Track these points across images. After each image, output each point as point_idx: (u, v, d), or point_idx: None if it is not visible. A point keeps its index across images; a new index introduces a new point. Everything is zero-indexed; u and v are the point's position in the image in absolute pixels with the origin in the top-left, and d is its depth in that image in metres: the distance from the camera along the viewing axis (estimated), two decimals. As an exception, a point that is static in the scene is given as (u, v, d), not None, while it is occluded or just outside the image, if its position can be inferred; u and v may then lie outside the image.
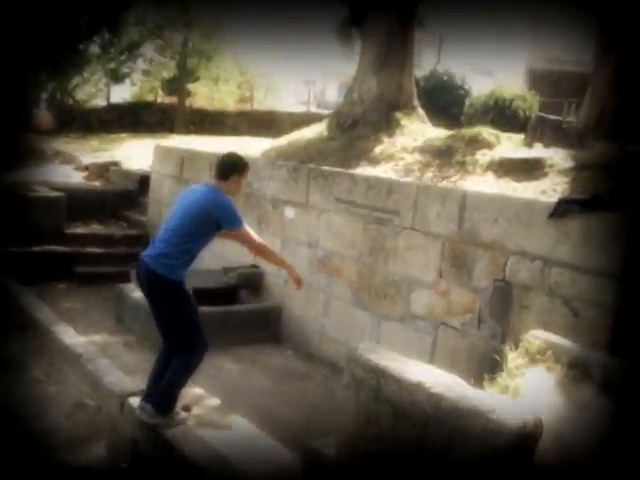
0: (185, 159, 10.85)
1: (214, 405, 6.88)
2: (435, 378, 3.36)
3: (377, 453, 3.54)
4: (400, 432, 3.40)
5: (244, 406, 6.87)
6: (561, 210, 5.94)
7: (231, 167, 5.37)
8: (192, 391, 7.15)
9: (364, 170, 11.63)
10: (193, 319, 5.40)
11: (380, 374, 3.47)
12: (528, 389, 4.13)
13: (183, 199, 5.44)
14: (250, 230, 5.46)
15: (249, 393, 7.28)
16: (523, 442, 3.05)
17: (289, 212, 8.66)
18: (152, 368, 5.77)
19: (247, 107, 25.40)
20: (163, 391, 5.50)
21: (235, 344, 8.41)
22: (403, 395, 3.35)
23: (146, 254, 5.31)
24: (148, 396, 5.54)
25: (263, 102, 29.26)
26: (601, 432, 3.96)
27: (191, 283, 9.09)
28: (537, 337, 4.39)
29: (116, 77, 22.81)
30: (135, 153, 15.88)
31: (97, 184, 13.43)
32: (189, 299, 5.37)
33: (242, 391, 7.30)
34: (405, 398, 3.35)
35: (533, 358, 4.38)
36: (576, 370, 4.21)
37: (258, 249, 5.57)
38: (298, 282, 5.76)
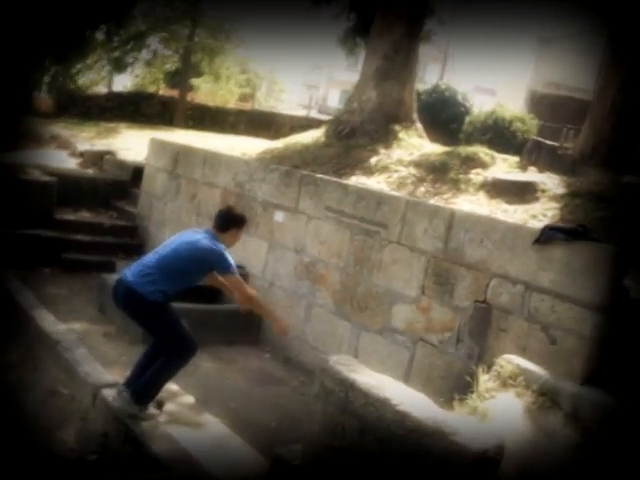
0: (179, 154, 10.86)
1: (188, 403, 6.90)
2: (403, 395, 3.38)
3: (341, 465, 3.56)
4: (365, 446, 3.42)
5: (218, 406, 6.89)
6: (546, 237, 5.98)
7: (231, 221, 5.71)
8: (167, 387, 7.16)
9: (358, 179, 11.66)
10: (176, 329, 5.61)
11: (349, 387, 3.49)
12: (497, 413, 4.16)
13: (182, 236, 5.68)
14: (241, 280, 5.67)
15: (224, 393, 7.29)
16: (483, 466, 3.07)
17: (278, 216, 8.68)
18: (139, 358, 5.89)
19: (247, 106, 25.42)
20: (145, 383, 5.63)
21: (215, 343, 8.39)
22: (370, 410, 3.38)
23: (127, 274, 5.51)
24: (129, 384, 5.66)
25: (264, 102, 29.31)
26: (565, 461, 3.99)
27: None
28: (510, 362, 4.42)
29: (119, 66, 22.77)
30: (132, 143, 15.85)
31: (91, 172, 13.40)
32: (169, 313, 5.58)
33: (217, 391, 7.31)
34: (371, 413, 3.37)
35: (504, 382, 4.42)
36: (545, 398, 4.26)
37: (246, 297, 5.75)
38: (283, 333, 6.02)
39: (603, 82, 14.38)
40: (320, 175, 8.66)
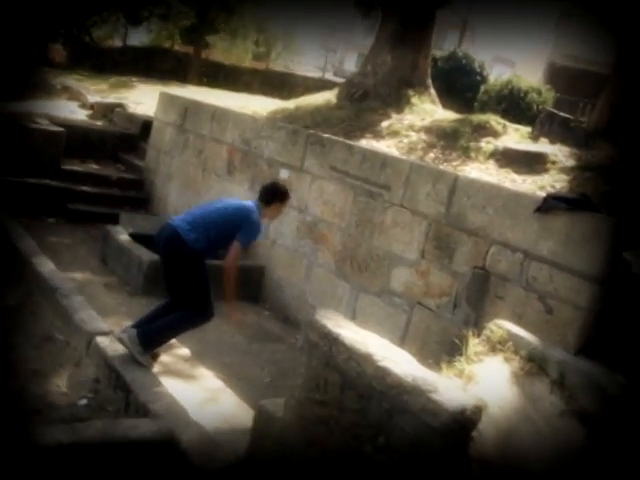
0: (188, 109, 10.80)
1: (183, 355, 6.95)
2: (386, 352, 3.38)
3: (321, 419, 3.57)
4: (345, 401, 3.43)
5: (213, 360, 6.93)
6: (547, 206, 5.93)
7: (275, 195, 6.09)
8: (164, 339, 7.22)
9: (368, 143, 11.61)
10: (203, 289, 5.84)
11: (333, 341, 3.49)
12: (483, 377, 4.15)
13: (230, 200, 6.19)
14: (240, 251, 5.87)
15: (220, 348, 7.33)
16: (460, 425, 3.07)
17: (283, 173, 8.65)
18: (155, 307, 6.11)
19: (262, 66, 25.26)
20: (155, 330, 5.83)
21: (215, 299, 8.43)
22: (352, 365, 3.37)
23: (176, 219, 5.81)
24: (139, 325, 5.84)
25: (279, 63, 29.09)
26: (547, 428, 3.99)
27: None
28: (500, 327, 4.40)
29: (134, 19, 22.60)
30: (143, 98, 15.80)
31: (100, 124, 13.38)
32: (202, 269, 5.78)
33: (214, 345, 7.34)
34: (353, 368, 3.37)
35: (493, 347, 4.40)
36: (533, 364, 4.24)
37: (227, 264, 5.86)
38: (237, 323, 6.56)
39: (622, 56, 14.23)
40: (326, 135, 8.58)
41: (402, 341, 6.93)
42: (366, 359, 3.31)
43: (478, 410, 3.15)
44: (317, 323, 3.59)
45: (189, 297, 5.83)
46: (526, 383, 4.17)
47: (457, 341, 4.62)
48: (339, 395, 3.46)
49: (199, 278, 5.77)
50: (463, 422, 3.07)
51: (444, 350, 6.13)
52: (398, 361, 3.32)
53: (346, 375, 3.42)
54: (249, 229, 5.77)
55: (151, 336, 5.79)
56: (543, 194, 6.41)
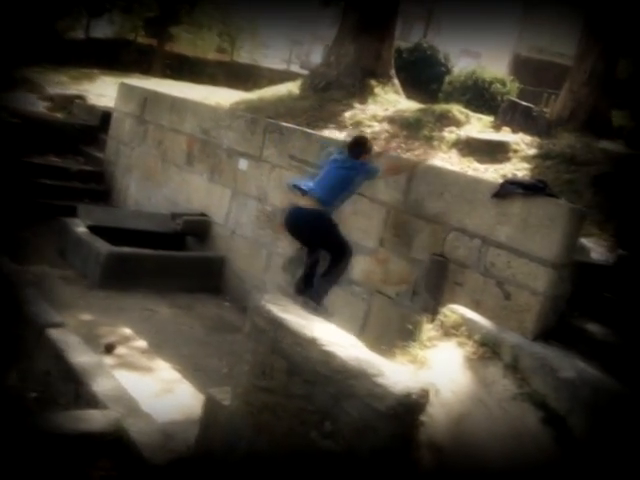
0: (148, 99, 10.65)
1: (140, 347, 6.85)
2: (332, 337, 3.31)
3: (268, 406, 3.50)
4: (291, 387, 3.36)
5: (171, 351, 6.83)
6: (504, 191, 5.90)
7: (362, 149, 6.29)
8: (120, 330, 7.12)
9: (330, 133, 11.55)
10: (342, 236, 6.24)
11: (278, 326, 3.42)
12: (436, 361, 4.12)
13: (338, 166, 6.26)
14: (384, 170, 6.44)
15: (179, 339, 7.23)
16: (406, 409, 3.01)
17: (242, 164, 8.55)
18: (304, 272, 6.44)
19: (227, 58, 25.03)
20: (322, 285, 6.20)
21: (174, 290, 8.35)
22: (297, 350, 3.30)
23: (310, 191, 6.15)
24: (302, 291, 6.22)
25: (244, 55, 28.86)
26: (500, 411, 3.95)
27: (138, 224, 9.08)
28: (454, 312, 4.37)
29: (96, 11, 22.23)
30: (106, 90, 15.56)
31: (59, 116, 13.14)
32: (337, 224, 6.26)
33: (172, 336, 7.25)
34: (298, 353, 3.30)
35: (447, 332, 4.37)
36: (486, 348, 4.21)
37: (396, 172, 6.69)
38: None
39: (583, 48, 14.34)
40: (285, 123, 8.49)
41: (362, 329, 6.88)
42: (311, 343, 3.24)
43: (425, 394, 3.10)
44: (263, 308, 3.52)
45: (334, 250, 6.19)
46: (479, 367, 4.14)
47: (411, 327, 4.58)
48: (285, 381, 3.39)
49: (338, 231, 6.22)
50: (409, 406, 3.02)
51: (403, 338, 6.09)
52: (344, 345, 3.25)
53: (292, 360, 3.34)
54: (369, 167, 6.27)
55: (321, 292, 6.19)
56: (498, 180, 6.39)
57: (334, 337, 3.35)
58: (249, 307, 3.83)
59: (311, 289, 6.21)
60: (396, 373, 3.12)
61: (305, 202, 6.12)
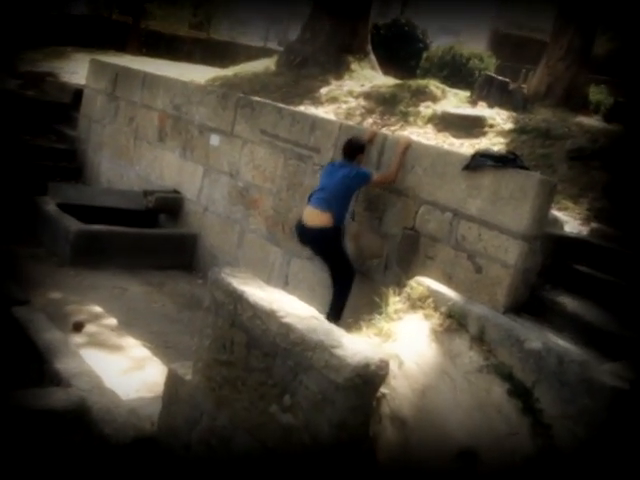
0: (119, 75, 10.48)
1: (110, 325, 6.78)
2: (291, 309, 3.25)
3: (229, 380, 3.44)
4: (251, 361, 3.30)
5: (141, 329, 6.77)
6: (475, 163, 5.83)
7: (355, 150, 6.43)
8: (89, 309, 7.04)
9: (306, 109, 11.45)
10: (347, 256, 6.45)
11: (238, 299, 3.35)
12: (402, 334, 4.07)
13: (335, 171, 6.38)
14: (379, 179, 6.37)
15: (150, 317, 7.17)
16: (364, 380, 2.96)
17: (214, 139, 8.44)
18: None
19: (203, 35, 24.76)
20: (333, 311, 6.27)
21: (146, 267, 8.27)
22: (256, 323, 3.24)
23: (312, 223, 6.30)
24: None
25: (222, 32, 28.57)
26: (467, 384, 3.92)
27: (109, 202, 8.97)
28: (420, 284, 4.32)
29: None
30: (79, 67, 15.33)
31: (31, 93, 12.91)
32: (343, 242, 6.47)
33: (143, 314, 7.19)
34: (258, 326, 3.23)
35: (414, 304, 4.32)
36: (452, 320, 4.17)
37: (391, 180, 6.41)
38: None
39: (560, 24, 14.32)
40: (256, 98, 8.38)
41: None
42: (270, 316, 3.18)
43: (385, 365, 3.04)
44: (222, 281, 3.45)
45: (342, 266, 6.40)
46: (445, 339, 4.09)
47: (378, 300, 4.52)
48: (245, 355, 3.33)
49: (343, 249, 6.45)
50: (368, 377, 2.96)
51: (373, 311, 6.05)
52: (304, 317, 3.19)
53: (251, 333, 3.28)
54: (361, 171, 6.32)
55: (333, 317, 6.00)
56: (468, 152, 6.34)
57: (294, 309, 3.29)
58: (208, 280, 3.76)
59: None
60: (355, 344, 3.06)
61: (311, 218, 6.29)
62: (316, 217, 6.24)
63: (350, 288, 6.43)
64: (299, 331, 3.07)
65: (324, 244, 6.38)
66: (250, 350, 3.31)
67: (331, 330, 3.15)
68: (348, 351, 2.96)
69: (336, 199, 6.23)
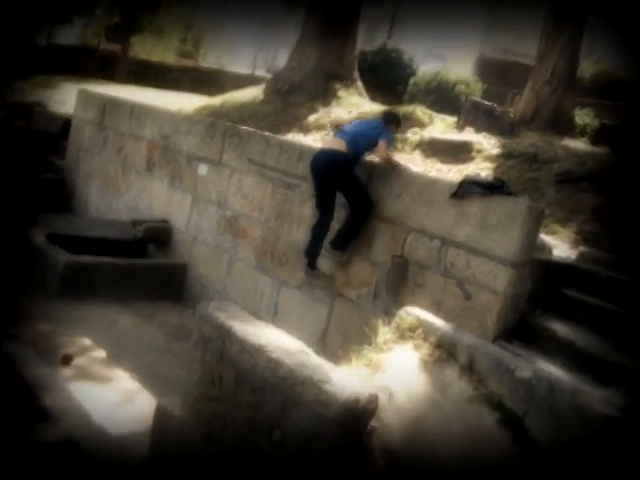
0: (107, 106, 10.51)
1: (99, 357, 6.71)
2: (279, 343, 3.23)
3: (217, 415, 3.41)
4: (240, 396, 3.28)
5: (131, 361, 6.71)
6: (463, 191, 5.86)
7: (392, 118, 7.22)
8: (79, 341, 6.98)
9: (294, 137, 11.49)
10: (364, 185, 6.64)
11: (226, 333, 3.34)
12: (391, 365, 4.05)
13: (361, 123, 7.20)
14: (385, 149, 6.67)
15: (139, 348, 7.12)
16: (354, 415, 2.94)
17: (202, 169, 8.45)
18: (312, 240, 6.81)
19: (191, 63, 24.89)
20: (345, 233, 6.63)
21: (135, 298, 8.23)
22: (245, 357, 3.22)
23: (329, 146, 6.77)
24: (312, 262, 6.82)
25: (210, 60, 28.71)
26: (458, 414, 3.90)
27: (98, 232, 8.94)
28: (409, 314, 4.30)
29: (58, 18, 21.96)
30: (68, 97, 15.37)
31: (19, 123, 12.91)
32: (358, 176, 6.67)
33: (132, 346, 7.13)
34: (246, 361, 3.22)
35: (403, 334, 4.30)
36: (442, 350, 4.15)
37: (385, 158, 6.69)
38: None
39: (545, 47, 14.48)
40: (244, 127, 8.41)
41: (324, 334, 6.83)
42: (259, 350, 3.16)
43: (374, 399, 3.03)
44: (210, 316, 3.44)
45: (358, 197, 6.57)
46: (435, 369, 4.08)
47: (368, 331, 4.51)
48: (234, 390, 3.31)
49: (358, 179, 6.62)
50: (357, 412, 2.95)
51: (364, 341, 6.03)
52: (292, 351, 3.18)
53: (240, 368, 3.27)
54: (386, 133, 6.75)
55: (344, 239, 6.63)
56: (455, 179, 6.37)
57: (283, 343, 3.28)
58: (196, 315, 3.74)
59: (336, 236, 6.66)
60: (344, 379, 3.05)
61: (328, 143, 6.83)
62: (333, 142, 6.71)
63: (367, 217, 6.57)
64: (288, 366, 3.05)
65: (332, 166, 6.51)
66: (239, 385, 3.29)
67: (320, 365, 3.13)
68: (337, 386, 2.94)
69: (354, 138, 6.59)
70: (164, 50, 24.99)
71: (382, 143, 6.58)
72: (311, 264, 6.81)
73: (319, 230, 6.73)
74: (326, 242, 6.72)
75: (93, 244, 8.58)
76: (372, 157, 6.81)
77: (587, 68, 24.66)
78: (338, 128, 7.09)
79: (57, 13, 21.59)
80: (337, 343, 6.48)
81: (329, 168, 6.53)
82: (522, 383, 3.91)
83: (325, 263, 6.85)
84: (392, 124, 7.08)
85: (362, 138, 6.62)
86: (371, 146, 6.68)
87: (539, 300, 6.01)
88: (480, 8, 29.05)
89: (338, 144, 6.58)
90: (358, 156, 6.63)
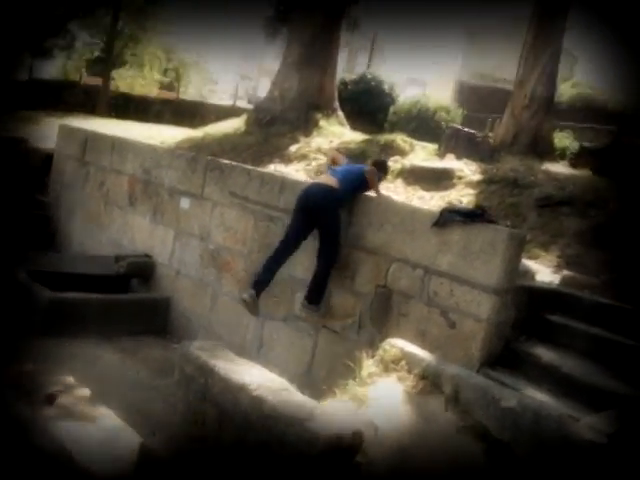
0: (88, 140, 10.51)
1: (83, 396, 6.62)
2: (262, 381, 3.22)
3: (201, 455, 3.38)
4: (223, 434, 3.25)
5: (116, 398, 6.60)
6: (444, 219, 5.88)
7: (377, 163, 7.32)
8: (62, 379, 6.89)
9: (276, 167, 11.53)
10: (340, 228, 6.62)
11: (208, 373, 3.32)
12: (376, 398, 4.04)
13: (357, 166, 7.16)
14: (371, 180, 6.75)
15: (124, 385, 7.04)
16: (337, 453, 2.93)
17: (184, 202, 8.44)
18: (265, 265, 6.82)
19: (173, 95, 24.98)
20: (316, 286, 6.60)
21: (119, 334, 8.15)
22: (228, 397, 3.20)
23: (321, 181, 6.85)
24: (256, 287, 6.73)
25: (192, 92, 28.80)
26: (444, 446, 3.89)
27: (81, 268, 8.90)
28: (393, 345, 4.30)
29: (38, 52, 22.02)
30: (49, 132, 15.35)
31: (0, 160, 12.87)
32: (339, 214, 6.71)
33: (117, 383, 7.04)
34: (229, 400, 3.20)
35: (387, 367, 4.30)
36: (427, 381, 4.15)
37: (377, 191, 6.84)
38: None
39: (523, 72, 14.68)
40: (225, 160, 8.42)
41: (310, 366, 6.80)
42: (241, 389, 3.15)
43: (358, 436, 3.01)
44: (191, 355, 3.42)
45: (330, 240, 6.56)
46: (420, 402, 4.07)
47: (351, 364, 4.50)
48: (217, 429, 3.28)
49: (339, 219, 6.64)
50: (341, 450, 2.93)
51: (349, 373, 6.01)
52: (274, 389, 3.16)
53: (222, 407, 3.24)
54: (375, 170, 6.85)
55: (317, 293, 6.60)
56: (435, 208, 6.40)
57: (266, 381, 3.26)
58: (178, 354, 3.72)
59: (310, 290, 6.63)
60: (328, 416, 3.03)
61: (321, 179, 6.91)
62: (325, 179, 6.76)
63: (333, 264, 6.58)
64: (270, 404, 3.03)
65: (324, 201, 6.54)
66: (222, 424, 3.27)
67: (303, 402, 3.11)
68: (320, 423, 2.92)
69: (344, 178, 6.63)
70: (146, 83, 25.05)
71: (370, 172, 6.75)
72: (258, 287, 6.75)
73: (281, 256, 6.79)
74: (300, 298, 6.73)
75: (76, 280, 8.53)
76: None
77: (565, 91, 25.00)
78: (330, 167, 7.08)
79: (38, 47, 21.62)
80: (323, 374, 6.46)
81: (319, 201, 6.55)
82: (508, 412, 3.90)
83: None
84: (381, 171, 7.13)
85: (354, 178, 6.68)
86: (361, 186, 6.72)
87: (523, 326, 6.00)
88: (459, 35, 29.39)
89: (331, 181, 6.62)
90: (347, 195, 6.66)
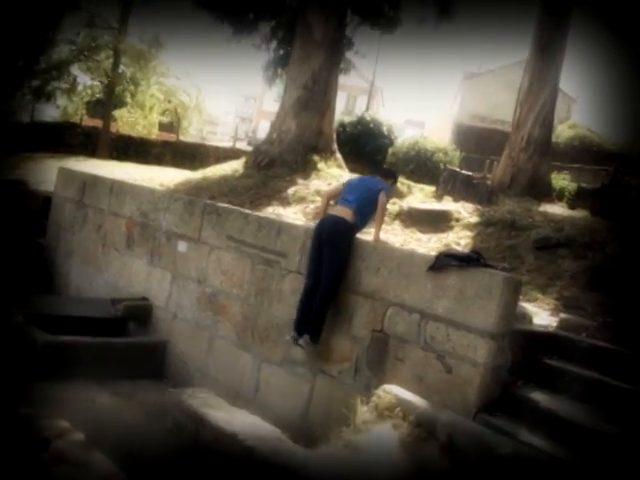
0: (87, 183, 10.57)
1: (77, 441, 6.57)
2: (253, 430, 3.19)
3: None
4: (215, 485, 3.22)
5: (110, 443, 6.57)
6: (440, 264, 5.88)
7: (390, 174, 7.63)
8: (57, 424, 6.84)
9: (274, 210, 11.57)
10: (345, 262, 6.63)
11: (199, 422, 3.30)
12: (370, 446, 4.01)
13: (361, 181, 7.31)
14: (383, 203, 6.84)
15: (119, 430, 6.93)
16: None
17: (181, 246, 8.46)
18: (301, 308, 6.69)
19: (173, 137, 25.15)
20: (315, 321, 6.54)
21: (115, 377, 8.09)
22: (218, 446, 3.18)
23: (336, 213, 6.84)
24: (301, 329, 6.63)
25: (192, 133, 29.00)
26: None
27: (77, 311, 8.88)
28: (388, 392, 4.29)
29: (40, 95, 22.26)
30: (49, 174, 15.44)
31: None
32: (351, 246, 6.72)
33: (112, 427, 6.95)
34: (220, 449, 3.17)
35: (381, 414, 4.27)
36: (421, 429, 4.12)
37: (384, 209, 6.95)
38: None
39: (520, 115, 14.84)
40: (222, 204, 8.46)
41: (306, 410, 6.74)
42: (232, 438, 3.13)
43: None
44: (183, 403, 3.40)
45: (338, 270, 6.58)
46: (415, 449, 4.04)
47: (346, 411, 4.47)
48: (209, 478, 3.25)
49: (349, 251, 6.66)
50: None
51: (346, 420, 5.96)
52: (266, 439, 3.14)
53: (214, 456, 3.21)
54: (387, 187, 7.01)
55: (317, 329, 6.56)
56: (431, 252, 6.41)
57: (257, 430, 3.24)
58: (170, 402, 3.70)
59: (309, 323, 6.57)
60: (321, 465, 3.01)
61: (337, 211, 6.81)
62: (342, 211, 6.72)
63: (333, 298, 6.59)
64: (262, 454, 3.01)
65: (338, 233, 6.59)
66: (214, 473, 3.24)
67: (294, 452, 3.09)
68: (314, 473, 2.90)
69: (361, 205, 6.72)
70: (146, 124, 25.23)
71: (382, 196, 6.78)
72: (315, 333, 6.61)
73: (312, 293, 6.65)
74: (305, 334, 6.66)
75: (72, 323, 8.51)
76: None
77: (563, 132, 25.20)
78: (338, 196, 7.08)
79: (40, 90, 21.86)
80: (319, 419, 6.39)
81: (333, 231, 6.61)
82: (502, 460, 3.87)
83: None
84: (390, 179, 7.35)
85: (369, 204, 6.77)
86: (375, 207, 6.83)
87: (521, 371, 5.97)
88: (456, 78, 29.72)
89: (345, 213, 6.69)
90: (364, 223, 6.83)
